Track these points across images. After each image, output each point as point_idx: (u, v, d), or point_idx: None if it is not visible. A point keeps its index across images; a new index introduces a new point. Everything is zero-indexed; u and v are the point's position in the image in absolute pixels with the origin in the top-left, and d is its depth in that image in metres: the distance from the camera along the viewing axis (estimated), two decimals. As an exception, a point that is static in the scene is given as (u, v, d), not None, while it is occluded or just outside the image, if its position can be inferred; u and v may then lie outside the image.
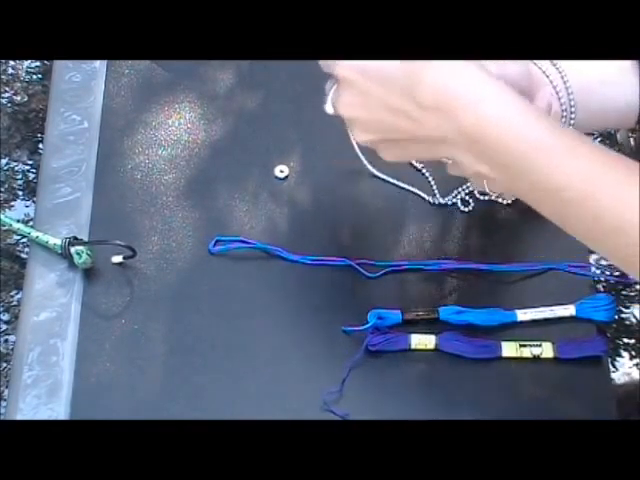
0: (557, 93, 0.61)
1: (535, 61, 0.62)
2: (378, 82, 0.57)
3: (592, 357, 0.65)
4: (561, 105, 0.61)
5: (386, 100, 0.56)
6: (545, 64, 0.62)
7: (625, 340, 1.44)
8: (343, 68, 0.58)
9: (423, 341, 0.65)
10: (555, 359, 0.65)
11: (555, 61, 0.62)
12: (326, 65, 0.61)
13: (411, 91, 0.55)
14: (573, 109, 0.61)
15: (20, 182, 1.56)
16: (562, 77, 0.62)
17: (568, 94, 0.61)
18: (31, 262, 0.70)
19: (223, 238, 0.69)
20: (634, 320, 1.48)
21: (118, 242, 0.66)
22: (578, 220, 0.52)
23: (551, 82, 0.61)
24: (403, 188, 0.72)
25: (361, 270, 0.68)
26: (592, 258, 0.70)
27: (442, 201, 0.71)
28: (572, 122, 0.62)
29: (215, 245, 0.69)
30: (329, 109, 0.60)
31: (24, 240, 0.79)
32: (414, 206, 0.71)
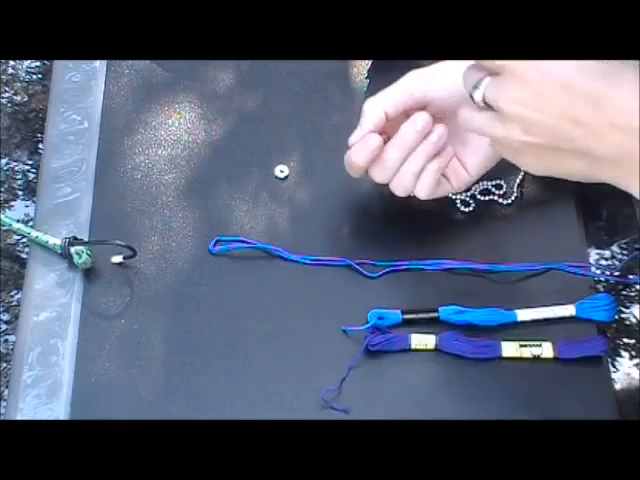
0: None
1: None
2: (559, 87, 0.54)
3: (592, 357, 0.65)
4: None
5: (566, 107, 0.54)
6: None
7: (625, 340, 1.44)
8: (518, 62, 0.55)
9: (423, 341, 0.65)
10: (555, 359, 0.65)
11: None
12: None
13: (599, 106, 0.53)
14: None
15: (20, 182, 1.56)
16: None
17: None
18: (31, 262, 0.70)
19: (223, 238, 0.69)
20: (634, 320, 1.48)
21: (118, 242, 0.66)
22: None
23: None
24: None
25: (361, 270, 0.68)
26: (592, 258, 0.70)
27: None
28: None
29: (215, 245, 0.69)
30: (478, 96, 0.57)
31: (24, 240, 0.79)
32: (414, 206, 0.71)
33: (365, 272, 0.68)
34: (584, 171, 0.56)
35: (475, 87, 0.57)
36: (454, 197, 0.71)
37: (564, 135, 0.54)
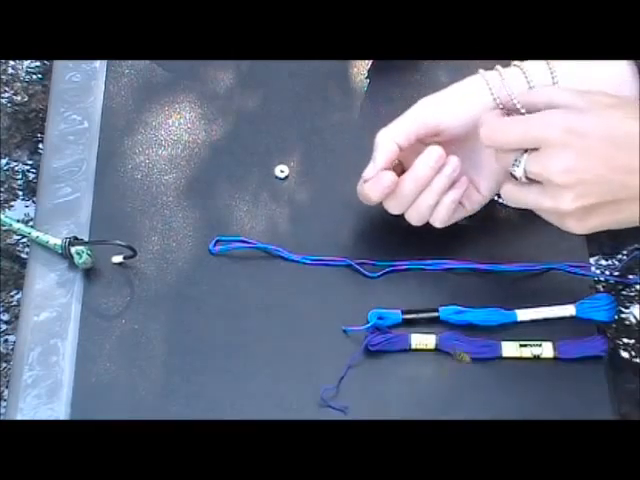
0: None
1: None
2: (599, 140, 0.54)
3: (592, 357, 0.65)
4: None
5: (615, 159, 0.54)
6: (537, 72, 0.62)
7: (625, 340, 1.44)
8: (552, 129, 0.55)
9: (423, 341, 0.65)
10: (555, 359, 0.65)
11: (550, 65, 0.62)
12: (515, 129, 0.58)
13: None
14: None
15: (20, 182, 1.56)
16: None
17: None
18: (31, 262, 0.70)
19: (223, 238, 0.69)
20: (634, 320, 1.48)
21: (118, 242, 0.66)
22: None
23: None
24: None
25: (361, 270, 0.68)
26: (592, 258, 0.70)
27: None
28: None
29: (215, 245, 0.69)
30: (519, 173, 0.57)
31: (24, 240, 0.79)
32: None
33: (365, 272, 0.68)
34: (632, 212, 0.56)
35: (515, 165, 0.58)
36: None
37: (620, 187, 0.55)
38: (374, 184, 0.64)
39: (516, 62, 0.63)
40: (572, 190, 0.55)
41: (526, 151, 0.57)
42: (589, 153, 0.54)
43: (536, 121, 0.57)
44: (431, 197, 0.64)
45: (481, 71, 0.64)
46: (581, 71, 0.62)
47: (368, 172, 0.64)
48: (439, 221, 0.65)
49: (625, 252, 1.39)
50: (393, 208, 0.65)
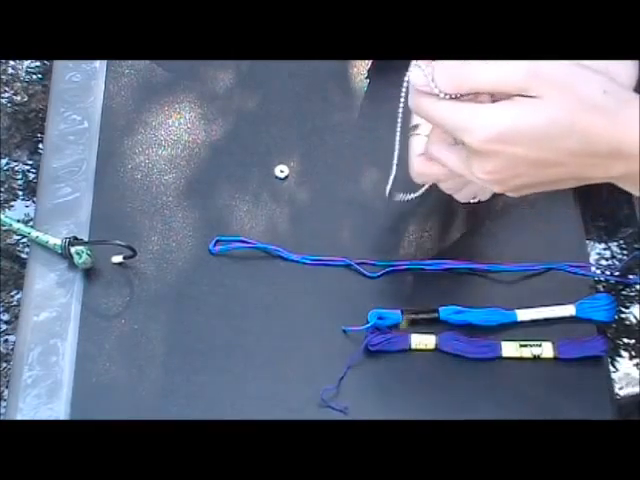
0: None
1: None
2: (525, 145, 0.52)
3: (592, 357, 0.65)
4: None
5: (546, 161, 0.53)
6: None
7: (625, 340, 1.44)
8: (479, 142, 0.52)
9: (423, 341, 0.65)
10: (555, 359, 0.65)
11: None
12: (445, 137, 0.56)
13: (585, 140, 0.51)
14: None
15: (20, 182, 1.56)
16: None
17: None
18: (31, 262, 0.70)
19: (223, 238, 0.69)
20: (634, 320, 1.48)
21: (118, 242, 0.66)
22: None
23: None
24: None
25: (361, 270, 0.68)
26: (592, 258, 0.70)
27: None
28: None
29: (215, 245, 0.69)
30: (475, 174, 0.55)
31: (24, 240, 0.79)
32: (413, 206, 0.71)
33: (365, 272, 0.68)
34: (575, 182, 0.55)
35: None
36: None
37: (549, 179, 0.53)
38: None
39: None
40: (497, 185, 0.54)
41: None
42: (516, 155, 0.52)
43: (464, 123, 0.53)
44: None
45: None
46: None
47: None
48: (485, 196, 0.68)
49: (625, 252, 1.39)
50: (449, 189, 0.65)
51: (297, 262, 0.68)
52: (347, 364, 0.64)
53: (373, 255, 0.69)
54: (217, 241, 0.69)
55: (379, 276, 0.68)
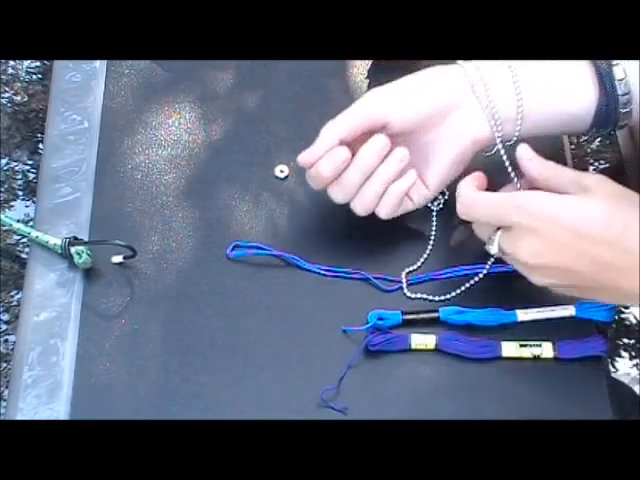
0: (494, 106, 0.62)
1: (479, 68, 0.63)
2: (571, 230, 0.56)
3: (592, 357, 0.65)
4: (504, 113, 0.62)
5: (577, 248, 0.56)
6: (494, 71, 0.63)
7: (625, 340, 1.44)
8: (522, 214, 0.57)
9: (423, 341, 0.65)
10: (555, 359, 0.65)
11: (512, 67, 0.63)
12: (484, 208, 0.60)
13: (618, 240, 0.55)
14: (520, 115, 0.62)
15: (20, 182, 1.56)
16: (516, 90, 0.62)
17: (517, 100, 0.62)
18: (31, 262, 0.70)
19: (242, 244, 0.69)
20: (634, 320, 1.47)
21: (118, 242, 0.66)
22: None
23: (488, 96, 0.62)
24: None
25: (379, 285, 0.67)
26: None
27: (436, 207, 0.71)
28: (518, 129, 0.63)
29: (232, 250, 0.68)
30: (494, 250, 0.61)
31: (24, 240, 0.79)
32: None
33: (382, 286, 0.67)
34: (609, 299, 0.60)
35: (489, 243, 0.61)
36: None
37: (590, 277, 0.56)
38: (327, 160, 0.62)
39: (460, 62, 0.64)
40: (539, 271, 0.58)
41: (498, 229, 0.60)
42: (556, 242, 0.56)
43: (508, 204, 0.58)
44: (377, 186, 0.63)
45: (460, 64, 0.64)
46: (542, 72, 0.63)
47: (305, 155, 0.62)
48: (384, 212, 0.64)
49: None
50: (338, 196, 0.64)
51: (313, 272, 0.68)
52: (347, 364, 0.64)
53: (373, 256, 0.69)
54: (235, 246, 0.69)
55: (394, 290, 0.68)
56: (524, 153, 0.61)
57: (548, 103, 0.63)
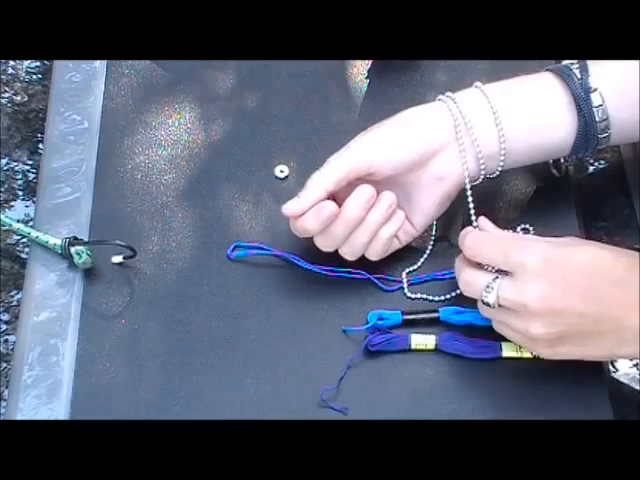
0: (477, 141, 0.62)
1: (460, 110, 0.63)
2: (574, 270, 0.56)
3: (592, 357, 0.65)
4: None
5: (588, 290, 0.56)
6: (476, 111, 0.63)
7: (625, 340, 1.44)
8: (531, 256, 0.57)
9: (423, 341, 0.65)
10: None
11: (491, 100, 0.63)
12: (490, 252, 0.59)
13: (623, 277, 0.56)
14: (504, 151, 0.63)
15: (20, 182, 1.56)
16: (497, 127, 0.62)
17: (500, 137, 0.62)
18: (31, 262, 0.70)
19: (242, 244, 0.69)
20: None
21: (118, 242, 0.66)
22: None
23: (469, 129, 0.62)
24: None
25: (381, 286, 0.67)
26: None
27: None
28: (501, 164, 0.63)
29: (233, 250, 0.68)
30: (491, 299, 0.58)
31: (24, 240, 0.79)
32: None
33: (384, 287, 0.67)
34: (607, 348, 0.58)
35: (487, 290, 0.59)
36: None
37: (591, 320, 0.56)
38: (313, 215, 0.61)
39: (448, 94, 0.64)
40: (544, 318, 0.56)
41: (496, 277, 0.58)
42: (564, 283, 0.56)
43: (517, 246, 0.58)
44: (365, 234, 0.63)
45: (442, 99, 0.64)
46: (521, 105, 0.63)
47: (291, 207, 0.62)
48: (375, 255, 0.64)
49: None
50: (324, 246, 0.63)
51: (314, 272, 0.68)
52: (347, 364, 0.64)
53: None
54: (235, 246, 0.69)
55: (396, 290, 0.68)
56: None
57: (530, 137, 0.63)
